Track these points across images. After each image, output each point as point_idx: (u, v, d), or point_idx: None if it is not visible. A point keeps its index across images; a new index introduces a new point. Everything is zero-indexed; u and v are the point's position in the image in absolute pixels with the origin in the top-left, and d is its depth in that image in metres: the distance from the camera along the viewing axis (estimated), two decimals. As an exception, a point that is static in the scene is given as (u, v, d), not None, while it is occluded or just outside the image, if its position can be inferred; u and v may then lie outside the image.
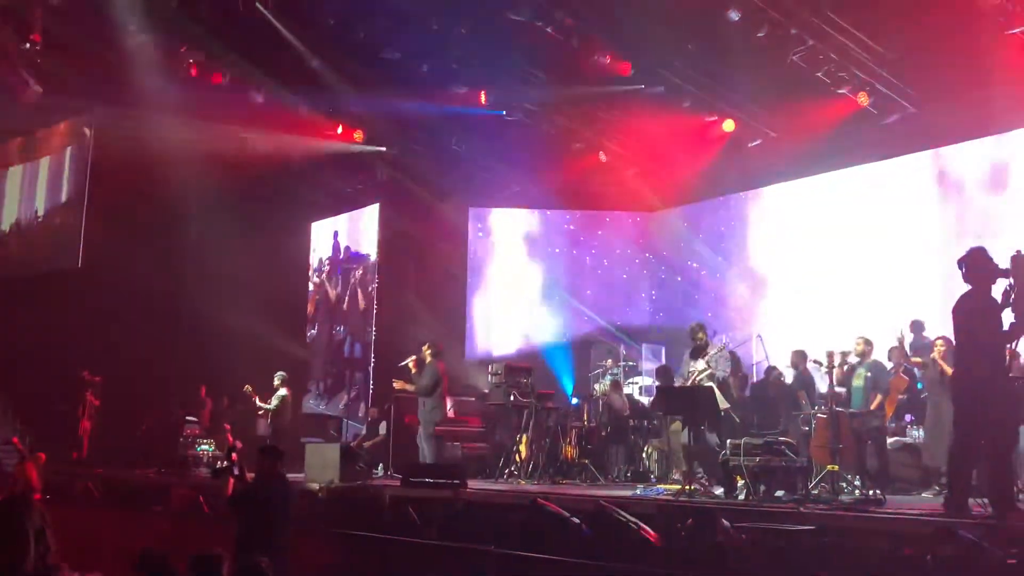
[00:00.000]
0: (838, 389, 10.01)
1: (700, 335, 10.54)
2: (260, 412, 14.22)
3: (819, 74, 11.90)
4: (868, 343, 10.43)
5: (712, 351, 10.44)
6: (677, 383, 10.94)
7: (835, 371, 9.69)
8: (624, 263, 16.18)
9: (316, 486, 10.68)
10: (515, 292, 16.54)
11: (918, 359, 10.38)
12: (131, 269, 15.39)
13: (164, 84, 13.78)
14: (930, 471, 9.76)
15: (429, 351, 12.45)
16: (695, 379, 10.28)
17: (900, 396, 10.30)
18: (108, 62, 13.37)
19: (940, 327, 9.95)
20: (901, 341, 10.24)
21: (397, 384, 12.62)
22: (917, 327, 10.79)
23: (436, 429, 12.29)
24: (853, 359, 10.22)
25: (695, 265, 15.36)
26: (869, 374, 10.17)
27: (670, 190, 15.35)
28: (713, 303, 14.74)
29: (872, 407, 10.01)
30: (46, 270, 17.01)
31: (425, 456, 11.99)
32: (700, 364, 10.34)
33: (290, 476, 12.87)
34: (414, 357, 12.72)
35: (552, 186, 15.99)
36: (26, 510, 3.70)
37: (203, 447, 14.70)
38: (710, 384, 10.07)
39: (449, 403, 13.48)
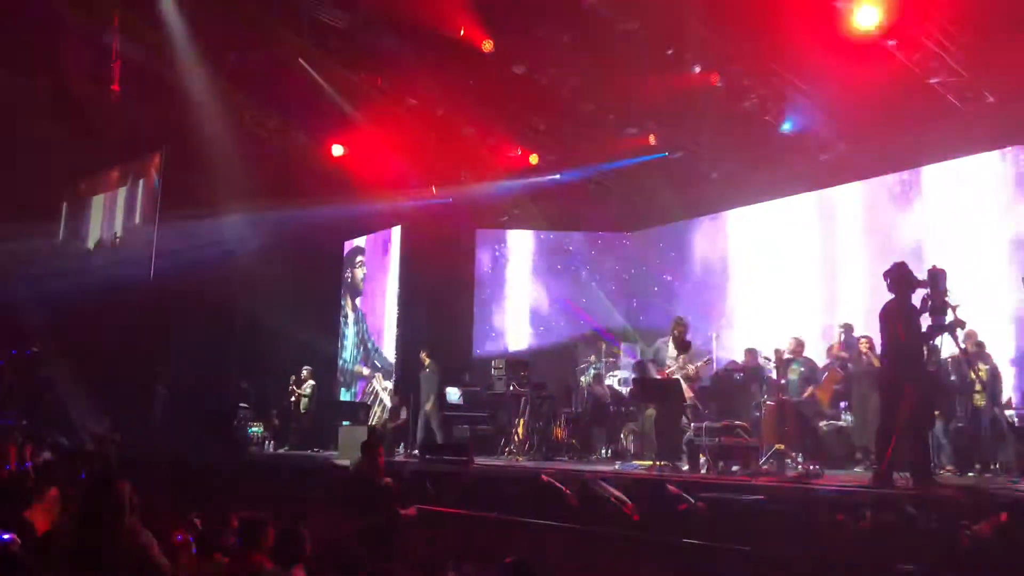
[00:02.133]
0: (783, 381, 10.04)
1: (682, 328, 10.54)
2: (294, 397, 14.55)
3: (767, 118, 11.93)
4: (799, 342, 10.46)
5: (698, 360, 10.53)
6: (653, 369, 10.92)
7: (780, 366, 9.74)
8: (613, 277, 16.19)
9: (347, 462, 10.67)
10: (522, 300, 16.54)
11: (844, 355, 10.42)
12: (194, 281, 15.42)
13: (222, 125, 13.87)
14: (859, 449, 9.76)
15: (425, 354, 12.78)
16: (672, 372, 10.28)
17: (835, 387, 10.30)
18: (177, 107, 13.44)
19: (866, 328, 10.00)
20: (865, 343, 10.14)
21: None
22: (848, 329, 10.80)
23: (444, 414, 12.77)
24: (787, 356, 10.24)
25: (669, 278, 15.37)
26: (802, 368, 10.20)
27: (648, 214, 15.37)
28: (683, 309, 14.72)
29: (804, 396, 10.02)
30: (123, 281, 17.05)
31: (439, 438, 12.11)
32: (681, 360, 10.32)
33: (326, 454, 13.01)
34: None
35: (549, 210, 16.02)
36: (120, 489, 3.69)
37: (253, 430, 14.83)
38: (678, 377, 10.08)
39: (458, 392, 13.53)
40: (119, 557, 3.56)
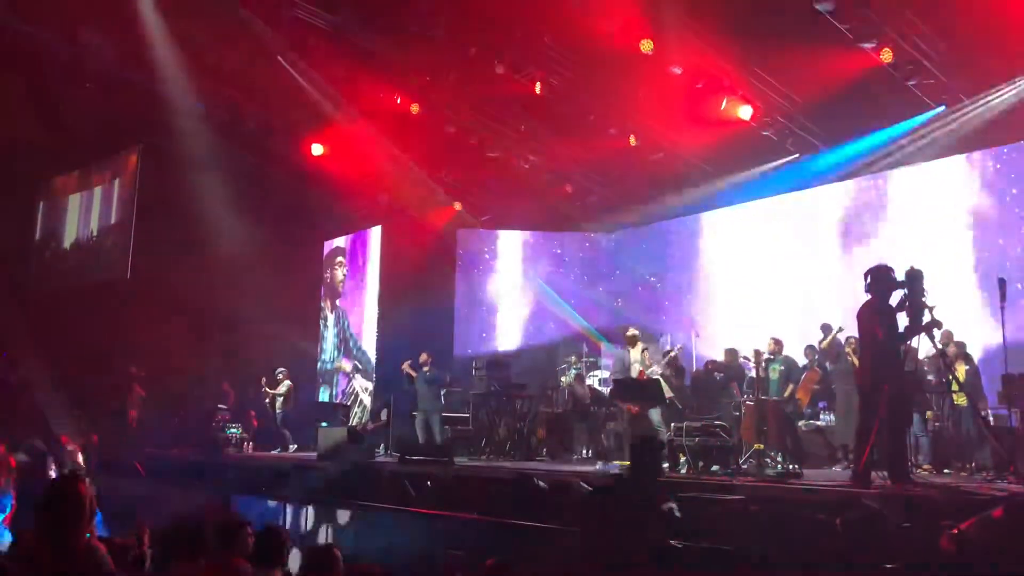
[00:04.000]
0: (763, 381, 10.06)
1: (631, 336, 10.57)
2: (268, 398, 14.38)
3: (748, 120, 11.95)
4: (778, 342, 10.49)
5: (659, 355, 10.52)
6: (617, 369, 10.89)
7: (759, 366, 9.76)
8: (599, 278, 16.16)
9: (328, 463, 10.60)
10: (505, 300, 16.48)
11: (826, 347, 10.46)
12: (172, 280, 15.28)
13: (200, 124, 13.77)
14: (839, 449, 9.81)
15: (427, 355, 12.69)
16: (646, 373, 10.27)
17: (814, 387, 10.35)
18: (155, 103, 13.32)
19: (843, 328, 10.07)
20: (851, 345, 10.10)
21: None
22: (825, 328, 10.87)
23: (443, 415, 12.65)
24: (767, 355, 10.27)
25: (652, 279, 15.38)
26: (782, 368, 10.23)
27: (631, 215, 15.37)
28: (665, 309, 14.78)
29: (785, 395, 10.05)
30: (100, 281, 16.90)
31: (436, 436, 12.03)
32: (645, 359, 10.33)
33: (303, 455, 12.91)
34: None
35: (531, 212, 15.98)
36: (75, 491, 3.61)
37: (231, 430, 14.69)
38: (657, 377, 10.08)
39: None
40: (74, 563, 3.48)
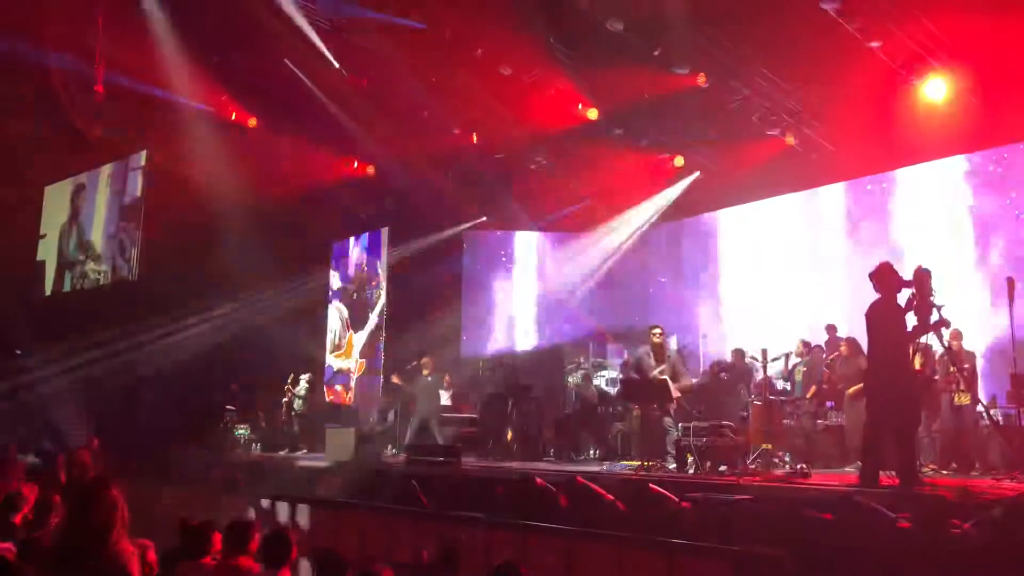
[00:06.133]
0: (778, 383, 10.05)
1: (658, 336, 10.45)
2: (287, 398, 14.42)
3: (753, 118, 11.98)
4: (807, 344, 10.51)
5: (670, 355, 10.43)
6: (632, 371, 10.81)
7: (774, 365, 9.76)
8: (606, 279, 16.08)
9: (334, 463, 10.64)
10: (513, 300, 16.48)
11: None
12: (180, 281, 15.35)
13: (207, 125, 13.82)
14: (850, 449, 9.79)
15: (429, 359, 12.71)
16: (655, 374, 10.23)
17: (823, 387, 10.36)
18: (160, 108, 13.38)
19: (850, 328, 10.07)
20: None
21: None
22: (831, 329, 10.85)
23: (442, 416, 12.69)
24: (795, 359, 10.29)
25: (663, 280, 15.36)
26: (805, 368, 10.24)
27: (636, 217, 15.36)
28: (675, 309, 14.74)
29: (808, 396, 10.05)
30: (106, 282, 16.98)
31: (438, 437, 12.09)
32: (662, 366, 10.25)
33: (312, 455, 12.95)
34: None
35: (537, 212, 15.98)
36: (100, 494, 3.65)
37: (240, 431, 14.74)
38: (664, 377, 10.06)
39: (446, 394, 13.49)
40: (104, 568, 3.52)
